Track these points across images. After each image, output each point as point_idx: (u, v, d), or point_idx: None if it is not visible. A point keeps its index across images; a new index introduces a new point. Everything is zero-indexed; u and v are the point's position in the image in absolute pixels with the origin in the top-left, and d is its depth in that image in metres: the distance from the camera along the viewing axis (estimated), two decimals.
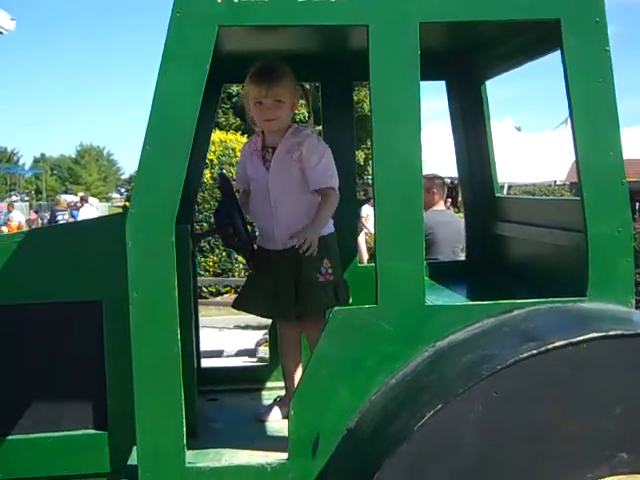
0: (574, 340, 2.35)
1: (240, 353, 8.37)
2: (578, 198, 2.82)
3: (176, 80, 2.60)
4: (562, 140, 21.46)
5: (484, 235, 4.16)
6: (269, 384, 4.00)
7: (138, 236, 2.64)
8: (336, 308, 2.77)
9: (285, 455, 2.73)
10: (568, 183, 25.23)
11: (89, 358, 3.07)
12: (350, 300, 3.51)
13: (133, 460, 2.79)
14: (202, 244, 13.58)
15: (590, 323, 2.52)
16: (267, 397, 3.80)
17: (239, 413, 3.58)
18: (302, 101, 3.65)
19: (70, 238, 3.15)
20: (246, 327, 11.71)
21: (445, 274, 4.13)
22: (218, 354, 8.02)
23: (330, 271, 3.43)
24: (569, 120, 2.77)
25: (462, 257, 5.97)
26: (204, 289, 13.19)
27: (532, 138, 28.55)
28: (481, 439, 2.34)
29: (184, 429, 2.68)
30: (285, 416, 3.32)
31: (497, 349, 2.46)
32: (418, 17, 2.62)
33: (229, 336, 10.90)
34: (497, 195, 4.11)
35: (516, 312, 2.71)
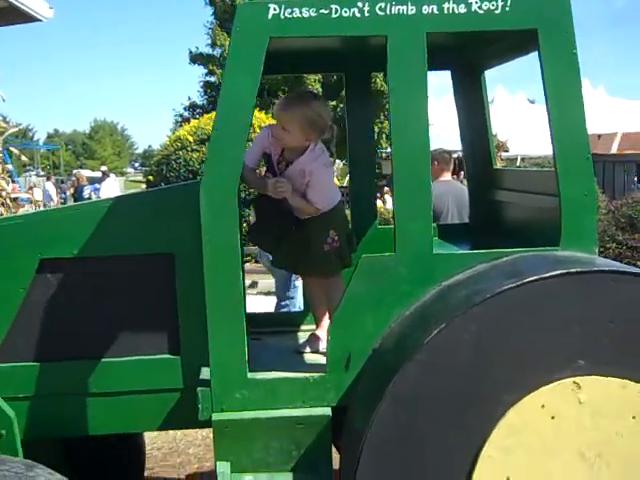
0: (543, 276, 2.95)
1: None
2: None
3: (237, 81, 3.24)
4: None
5: (484, 201, 4.71)
6: (304, 327, 4.46)
7: (209, 199, 3.24)
8: (363, 255, 3.36)
9: (324, 372, 3.38)
10: None
11: (165, 299, 3.66)
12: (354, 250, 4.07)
13: (204, 376, 3.41)
14: None
15: (559, 264, 3.09)
16: (303, 337, 4.23)
17: (281, 349, 4.07)
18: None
19: (154, 204, 3.75)
20: (268, 293, 12.26)
21: (452, 234, 4.73)
22: None
23: (336, 238, 3.86)
24: None
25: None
26: None
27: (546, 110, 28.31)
28: (474, 351, 2.95)
29: (246, 349, 3.33)
30: (318, 349, 3.95)
31: (487, 284, 3.06)
32: (425, 28, 3.24)
33: (252, 301, 11.49)
34: (495, 167, 4.69)
35: (504, 258, 3.29)
